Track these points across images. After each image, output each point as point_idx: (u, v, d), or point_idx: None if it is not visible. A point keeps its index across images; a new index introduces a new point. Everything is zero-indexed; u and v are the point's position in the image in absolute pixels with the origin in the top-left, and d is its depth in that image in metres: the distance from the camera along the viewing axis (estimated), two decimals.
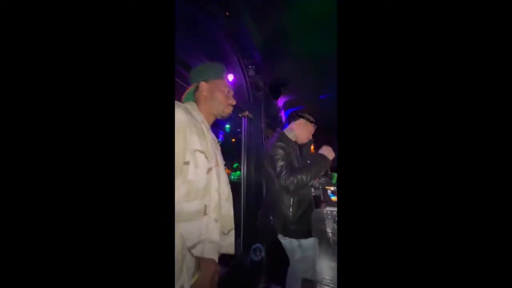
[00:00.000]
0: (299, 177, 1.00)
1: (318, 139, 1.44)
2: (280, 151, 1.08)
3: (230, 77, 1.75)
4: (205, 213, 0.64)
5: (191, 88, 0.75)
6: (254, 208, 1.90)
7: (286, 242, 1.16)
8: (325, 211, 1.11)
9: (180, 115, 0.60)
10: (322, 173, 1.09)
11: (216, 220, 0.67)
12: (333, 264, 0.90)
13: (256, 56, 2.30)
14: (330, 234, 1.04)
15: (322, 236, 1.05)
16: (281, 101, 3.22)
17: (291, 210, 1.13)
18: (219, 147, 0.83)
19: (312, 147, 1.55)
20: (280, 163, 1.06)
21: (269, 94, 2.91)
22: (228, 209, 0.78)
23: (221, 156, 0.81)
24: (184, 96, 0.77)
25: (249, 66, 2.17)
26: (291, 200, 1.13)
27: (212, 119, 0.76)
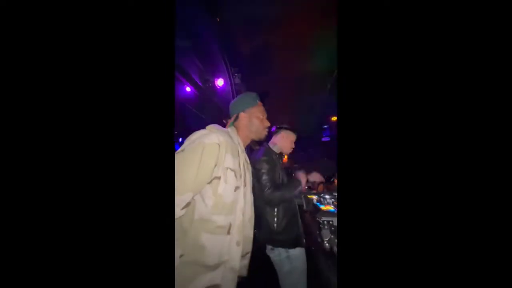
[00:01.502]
0: (280, 192, 1.09)
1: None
2: (266, 166, 1.13)
3: (220, 81, 1.71)
4: (228, 232, 0.66)
5: (233, 119, 0.87)
6: None
7: (274, 255, 1.14)
8: (321, 221, 1.09)
9: (221, 136, 0.68)
10: (298, 190, 1.19)
11: (238, 243, 0.67)
12: (330, 276, 0.86)
13: (242, 65, 2.33)
14: (326, 244, 1.03)
15: (317, 247, 1.01)
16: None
17: (276, 221, 1.14)
18: (249, 168, 0.87)
19: (285, 158, 1.66)
20: (265, 177, 1.10)
21: None
22: (249, 230, 0.78)
23: (251, 177, 0.86)
24: (228, 125, 0.88)
25: (235, 74, 2.17)
26: (275, 211, 1.15)
27: (247, 141, 0.87)
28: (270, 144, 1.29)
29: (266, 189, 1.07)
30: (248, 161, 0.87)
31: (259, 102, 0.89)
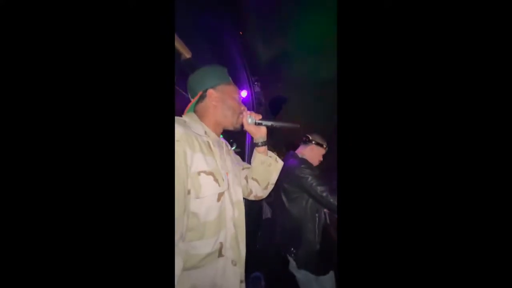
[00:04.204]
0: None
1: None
2: (310, 171, 1.04)
3: (244, 93, 1.79)
4: (220, 254, 0.50)
5: (196, 99, 0.61)
6: (254, 229, 1.83)
7: (301, 275, 1.04)
8: None
9: (179, 127, 0.48)
10: None
11: (234, 263, 0.53)
12: None
13: (261, 73, 2.38)
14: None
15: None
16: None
17: (316, 235, 1.04)
18: (230, 154, 0.69)
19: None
20: (315, 182, 1.01)
21: (269, 109, 2.99)
22: (241, 246, 0.58)
23: (235, 167, 0.66)
24: (187, 110, 0.64)
25: (255, 83, 2.23)
26: (316, 223, 1.05)
27: (219, 131, 0.65)
28: (298, 153, 1.22)
29: (328, 195, 0.97)
30: (228, 147, 0.68)
31: (231, 80, 0.66)
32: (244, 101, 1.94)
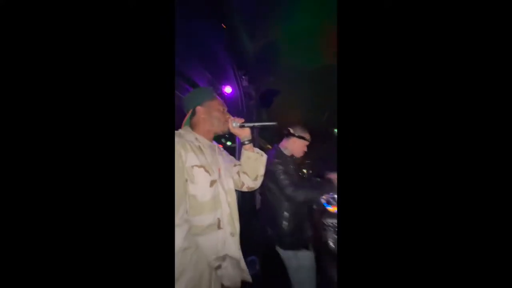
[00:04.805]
0: (304, 191, 1.09)
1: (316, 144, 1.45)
2: (280, 167, 1.14)
3: (228, 89, 1.78)
4: (219, 227, 0.68)
5: (188, 115, 0.81)
6: (248, 218, 1.89)
7: (282, 252, 1.19)
8: (325, 222, 1.15)
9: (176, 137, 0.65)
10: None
11: (232, 234, 0.70)
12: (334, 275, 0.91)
13: (249, 67, 2.36)
14: (331, 244, 1.08)
15: (322, 248, 1.07)
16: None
17: (287, 221, 1.16)
18: (223, 154, 0.86)
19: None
20: (282, 176, 1.13)
21: (261, 103, 2.98)
22: (236, 223, 0.75)
23: (226, 164, 0.82)
24: (183, 124, 0.83)
25: (243, 77, 2.21)
26: (287, 211, 1.16)
27: (210, 136, 0.82)
28: (281, 147, 1.30)
29: (287, 187, 1.10)
30: (222, 151, 0.87)
31: (216, 96, 0.84)
32: (230, 96, 1.94)
